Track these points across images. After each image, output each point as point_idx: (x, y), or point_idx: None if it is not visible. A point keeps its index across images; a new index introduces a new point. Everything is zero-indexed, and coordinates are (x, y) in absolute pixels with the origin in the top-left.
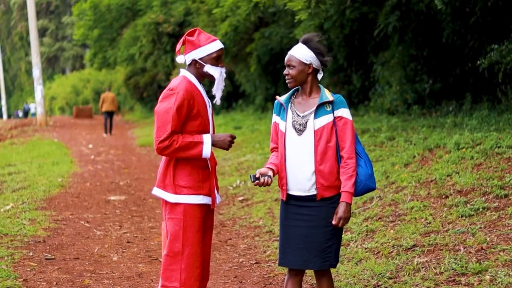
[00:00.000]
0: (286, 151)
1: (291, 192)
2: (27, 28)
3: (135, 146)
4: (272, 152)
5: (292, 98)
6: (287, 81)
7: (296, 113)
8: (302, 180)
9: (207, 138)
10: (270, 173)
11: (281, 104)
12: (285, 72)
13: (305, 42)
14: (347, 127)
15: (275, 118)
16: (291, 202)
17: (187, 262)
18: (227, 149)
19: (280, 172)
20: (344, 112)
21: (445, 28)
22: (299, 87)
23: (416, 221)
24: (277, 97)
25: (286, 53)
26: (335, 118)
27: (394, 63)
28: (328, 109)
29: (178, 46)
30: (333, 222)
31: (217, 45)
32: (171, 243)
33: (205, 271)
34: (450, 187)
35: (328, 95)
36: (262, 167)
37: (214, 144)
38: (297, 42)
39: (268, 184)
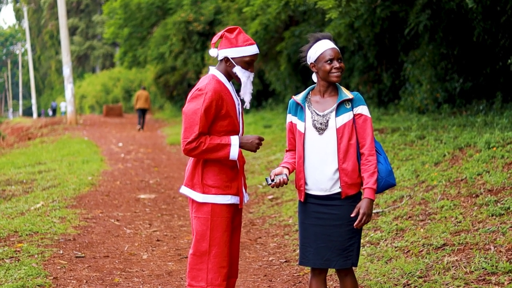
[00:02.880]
0: (306, 151)
1: (311, 192)
2: (58, 26)
3: (165, 145)
4: (286, 152)
5: (308, 97)
6: (337, 74)
7: (316, 112)
8: (323, 179)
9: (234, 140)
10: (285, 171)
11: (297, 104)
12: (337, 65)
13: (333, 39)
14: (366, 124)
15: (291, 118)
16: (310, 201)
17: (214, 262)
18: (255, 151)
19: (298, 173)
20: (364, 109)
21: (476, 27)
22: (314, 85)
23: (446, 220)
24: (293, 96)
25: None
26: (354, 115)
27: (425, 62)
28: (348, 107)
29: (215, 39)
30: (353, 215)
31: (252, 49)
32: (197, 243)
33: (234, 269)
34: (480, 186)
35: (347, 93)
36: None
37: (241, 146)
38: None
39: (285, 183)
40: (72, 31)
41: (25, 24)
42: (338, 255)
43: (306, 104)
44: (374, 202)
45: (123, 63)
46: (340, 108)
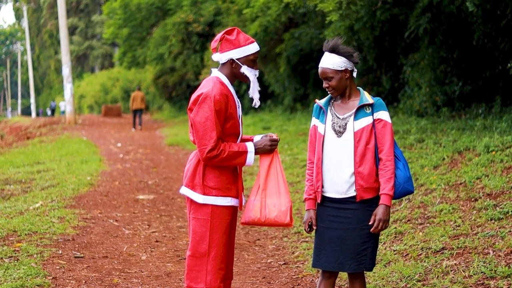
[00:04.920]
0: (324, 153)
1: (327, 195)
2: (57, 26)
3: (164, 145)
4: (308, 164)
5: (332, 101)
6: (329, 93)
7: (336, 115)
8: (339, 182)
9: (250, 147)
10: (312, 213)
11: (320, 107)
12: (325, 85)
13: (332, 50)
14: (386, 129)
15: (314, 121)
16: (327, 204)
17: (213, 264)
18: (271, 152)
19: (316, 174)
20: (384, 115)
21: (475, 31)
22: None
23: (445, 224)
24: (317, 100)
25: (316, 54)
26: (374, 120)
27: (424, 65)
28: (368, 112)
29: (215, 44)
30: (371, 223)
31: (255, 47)
32: (196, 244)
33: (229, 271)
34: (479, 190)
35: (368, 98)
36: (290, 168)
37: (256, 152)
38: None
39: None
40: (72, 30)
41: (25, 23)
42: (351, 259)
43: (328, 108)
44: None
45: (122, 63)
46: (360, 112)
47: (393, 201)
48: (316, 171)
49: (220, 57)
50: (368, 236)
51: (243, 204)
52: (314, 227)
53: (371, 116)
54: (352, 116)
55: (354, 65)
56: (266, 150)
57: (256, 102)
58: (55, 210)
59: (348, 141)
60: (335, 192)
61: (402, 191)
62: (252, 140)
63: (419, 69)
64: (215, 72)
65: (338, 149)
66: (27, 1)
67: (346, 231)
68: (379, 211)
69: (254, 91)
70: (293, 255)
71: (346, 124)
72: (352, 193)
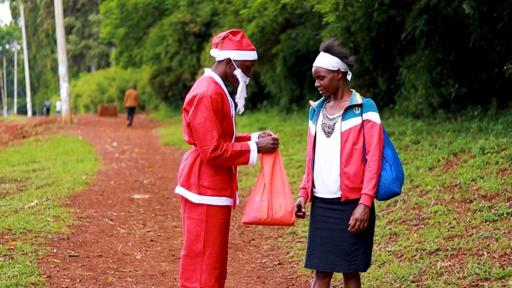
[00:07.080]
0: (315, 153)
1: (318, 195)
2: (54, 25)
3: (160, 145)
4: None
5: (325, 102)
6: (320, 92)
7: (327, 116)
8: (329, 182)
9: (253, 146)
10: (301, 200)
11: (314, 109)
12: (317, 84)
13: (327, 50)
14: (373, 130)
15: (309, 123)
16: (318, 205)
17: (208, 263)
18: (274, 151)
19: (307, 174)
20: (372, 116)
21: (472, 33)
22: None
23: (440, 225)
24: (310, 102)
25: (312, 55)
26: (363, 121)
27: (420, 67)
28: (357, 112)
29: (217, 40)
30: (350, 223)
31: (254, 55)
32: (191, 244)
33: (223, 270)
34: (474, 191)
35: (358, 98)
36: (286, 169)
37: (258, 150)
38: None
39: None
40: (68, 30)
41: (21, 22)
42: (342, 259)
43: (321, 109)
44: None
45: (119, 63)
46: (348, 112)
47: (388, 201)
48: (307, 171)
49: (218, 53)
50: (359, 237)
51: (237, 203)
52: (303, 210)
53: (360, 117)
54: (340, 117)
55: (348, 68)
56: (269, 148)
57: (241, 108)
58: (50, 209)
59: (336, 141)
60: (327, 192)
61: (387, 192)
62: (249, 138)
63: (415, 71)
64: (208, 72)
65: (327, 150)
66: (24, 0)
67: (336, 232)
68: (357, 211)
69: (240, 97)
70: (287, 255)
71: (334, 125)
72: (340, 193)
